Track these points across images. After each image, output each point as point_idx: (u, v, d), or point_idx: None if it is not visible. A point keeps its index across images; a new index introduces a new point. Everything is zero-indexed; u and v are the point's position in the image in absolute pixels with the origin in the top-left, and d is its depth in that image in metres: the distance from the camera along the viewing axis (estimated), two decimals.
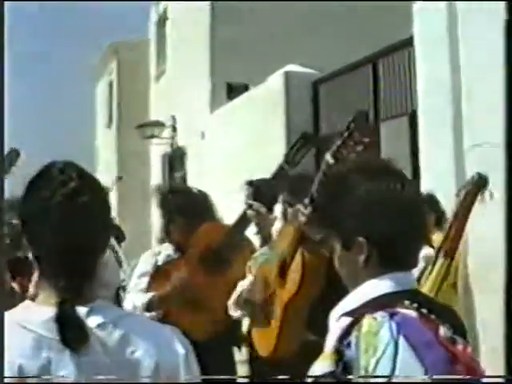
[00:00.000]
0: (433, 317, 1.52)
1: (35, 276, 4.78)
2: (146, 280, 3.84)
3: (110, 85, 22.10)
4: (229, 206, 4.58)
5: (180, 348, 1.56)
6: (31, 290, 4.85)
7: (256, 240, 3.89)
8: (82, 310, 1.50)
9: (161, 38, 16.74)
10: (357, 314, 1.54)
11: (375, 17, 11.75)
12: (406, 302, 1.54)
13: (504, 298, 3.00)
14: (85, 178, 1.57)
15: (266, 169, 6.23)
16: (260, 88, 9.49)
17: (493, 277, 4.21)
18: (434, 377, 1.40)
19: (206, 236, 3.80)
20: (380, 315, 1.48)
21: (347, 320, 1.55)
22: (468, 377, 1.43)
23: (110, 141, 21.03)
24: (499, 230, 4.22)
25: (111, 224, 1.63)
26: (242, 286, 3.46)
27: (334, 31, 11.85)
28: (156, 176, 15.86)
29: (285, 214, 3.39)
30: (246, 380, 3.80)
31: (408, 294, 1.59)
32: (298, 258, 3.11)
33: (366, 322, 1.48)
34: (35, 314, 1.50)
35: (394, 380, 1.41)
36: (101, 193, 1.61)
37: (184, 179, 13.28)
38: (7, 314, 1.55)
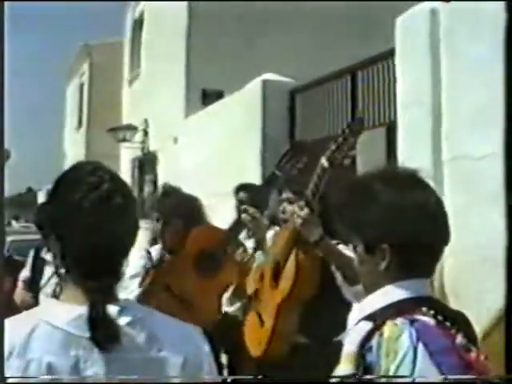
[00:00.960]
0: (448, 324, 1.55)
1: (22, 276, 4.68)
2: (136, 281, 3.82)
3: (81, 86, 21.99)
4: None
5: (204, 346, 1.59)
6: (18, 291, 4.77)
7: (248, 244, 3.90)
8: (113, 309, 1.50)
9: (135, 40, 16.69)
10: (376, 319, 1.57)
11: (355, 27, 11.84)
12: (424, 309, 1.58)
13: (504, 298, 3.01)
14: (116, 179, 1.59)
15: (239, 177, 6.25)
16: (236, 95, 9.49)
17: (468, 278, 4.24)
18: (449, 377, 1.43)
19: (201, 239, 3.81)
20: (400, 321, 1.52)
21: (367, 324, 1.58)
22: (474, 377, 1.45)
23: (78, 143, 20.91)
24: (476, 234, 4.25)
25: (138, 224, 1.63)
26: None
27: (313, 40, 11.91)
28: (126, 180, 15.76)
29: (274, 217, 3.42)
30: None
31: (425, 301, 1.62)
32: (292, 259, 3.14)
33: (388, 327, 1.52)
34: (62, 312, 1.49)
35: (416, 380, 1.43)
36: (131, 194, 1.63)
37: (155, 183, 13.24)
38: (29, 312, 1.56)
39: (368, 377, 1.50)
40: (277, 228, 3.65)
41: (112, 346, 1.45)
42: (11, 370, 1.42)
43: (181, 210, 4.00)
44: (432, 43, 4.93)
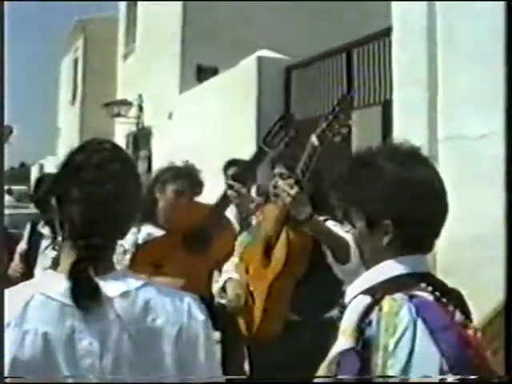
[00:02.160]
0: (445, 300, 1.57)
1: (19, 248, 4.66)
2: (127, 258, 3.80)
3: (76, 61, 21.88)
4: None
5: (200, 314, 1.59)
6: (13, 264, 4.73)
7: (234, 219, 3.89)
8: (102, 278, 1.51)
9: (131, 16, 16.59)
10: (374, 293, 1.57)
11: (352, 5, 11.79)
12: (423, 285, 1.59)
13: (504, 297, 3.03)
14: (118, 150, 1.65)
15: (233, 153, 6.25)
16: (232, 71, 9.46)
17: (460, 258, 4.27)
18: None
19: (189, 215, 3.77)
20: (399, 296, 1.53)
21: (366, 298, 1.58)
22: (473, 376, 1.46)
23: (73, 118, 20.84)
24: (469, 210, 4.26)
25: (138, 198, 1.67)
26: (226, 270, 3.47)
27: (309, 17, 11.86)
28: None
29: (266, 193, 3.40)
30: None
31: (423, 277, 1.63)
32: (282, 237, 3.13)
33: (387, 302, 1.52)
34: (57, 283, 1.50)
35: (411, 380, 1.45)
36: (132, 166, 1.67)
37: (149, 159, 13.23)
38: (26, 283, 1.57)
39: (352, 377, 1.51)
40: (260, 200, 3.64)
41: (90, 304, 1.46)
42: (8, 340, 1.43)
43: (200, 188, 4.01)
44: (429, 22, 4.92)
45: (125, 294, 1.52)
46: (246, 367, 3.58)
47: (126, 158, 1.65)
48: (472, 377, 1.47)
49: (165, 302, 1.55)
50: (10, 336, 1.44)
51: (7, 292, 1.53)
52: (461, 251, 4.38)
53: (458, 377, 1.45)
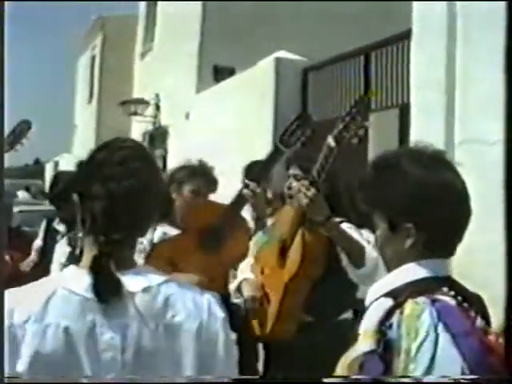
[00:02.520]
0: (466, 305, 1.56)
1: (35, 245, 4.67)
2: (143, 256, 3.79)
3: (93, 59, 21.92)
4: None
5: (220, 312, 1.60)
6: (28, 260, 4.73)
7: (249, 218, 3.89)
8: (124, 273, 1.53)
9: (150, 14, 16.63)
10: (396, 296, 1.57)
11: (371, 6, 11.75)
12: (445, 289, 1.58)
13: (505, 295, 3.02)
14: (140, 148, 1.68)
15: (250, 154, 6.26)
16: (249, 72, 9.46)
17: (475, 263, 4.25)
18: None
19: (205, 214, 3.77)
20: (421, 300, 1.52)
21: (388, 301, 1.58)
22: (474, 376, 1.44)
23: (89, 116, 20.89)
24: (485, 219, 4.23)
25: (159, 196, 1.68)
26: (242, 270, 3.47)
27: (328, 19, 11.83)
28: None
29: (281, 194, 3.39)
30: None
31: (445, 281, 1.62)
32: (298, 238, 3.12)
33: (409, 305, 1.52)
34: (79, 278, 1.52)
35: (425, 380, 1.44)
36: (153, 164, 1.69)
37: (164, 158, 13.25)
38: (48, 278, 1.61)
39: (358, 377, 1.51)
40: (277, 203, 3.63)
41: (111, 299, 1.48)
42: (28, 334, 1.45)
43: (215, 185, 4.03)
44: (448, 26, 4.91)
45: (146, 290, 1.53)
46: (260, 368, 3.57)
47: (148, 156, 1.68)
48: (474, 377, 1.46)
49: (185, 299, 1.57)
50: (30, 330, 1.45)
51: (29, 287, 1.55)
52: (475, 257, 4.35)
53: (463, 377, 1.44)
